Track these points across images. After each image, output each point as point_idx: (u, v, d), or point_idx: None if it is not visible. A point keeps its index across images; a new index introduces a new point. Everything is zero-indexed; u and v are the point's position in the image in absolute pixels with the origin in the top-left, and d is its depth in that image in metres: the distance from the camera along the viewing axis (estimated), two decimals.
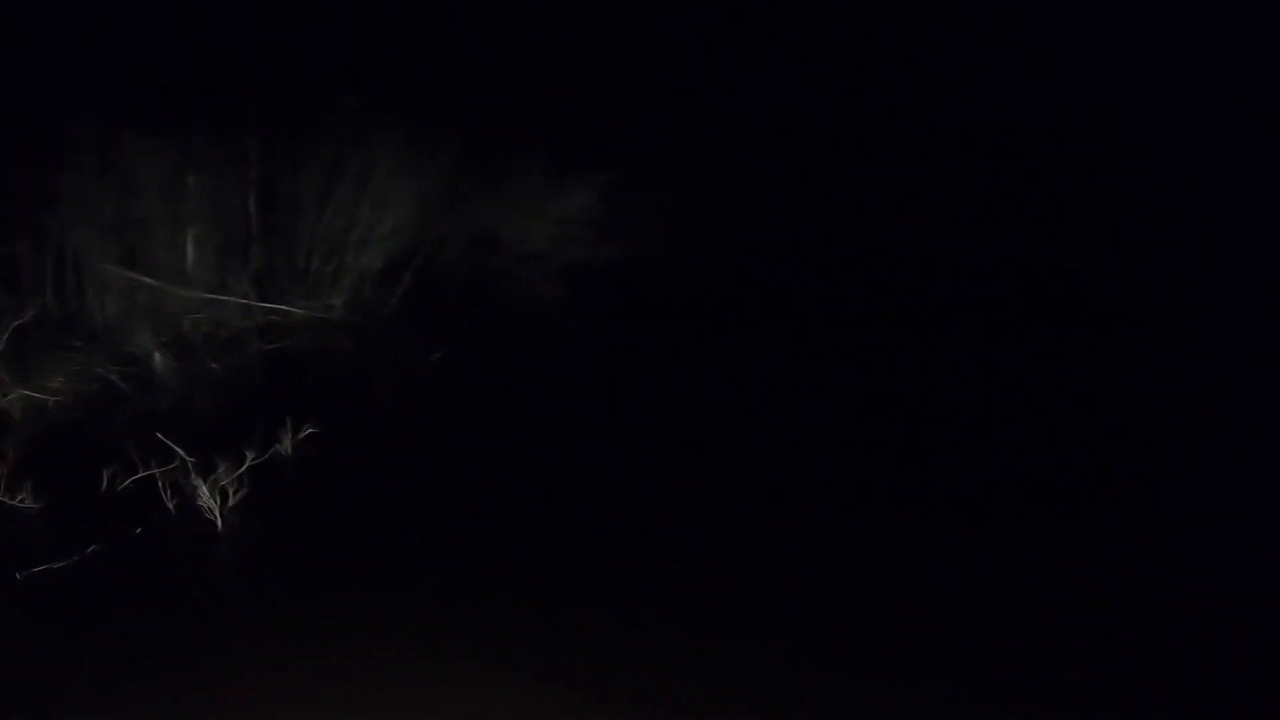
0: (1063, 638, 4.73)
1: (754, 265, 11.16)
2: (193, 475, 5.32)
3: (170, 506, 5.26)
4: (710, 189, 11.70)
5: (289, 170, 8.53)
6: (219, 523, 5.20)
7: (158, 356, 6.95)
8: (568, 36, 11.46)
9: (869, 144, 12.57)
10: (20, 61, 7.70)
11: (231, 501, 5.31)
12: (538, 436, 6.82)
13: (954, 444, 6.98)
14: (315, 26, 9.63)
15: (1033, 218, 11.76)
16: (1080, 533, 5.80)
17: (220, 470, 5.36)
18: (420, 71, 9.83)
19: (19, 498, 5.25)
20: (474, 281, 9.64)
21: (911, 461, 6.72)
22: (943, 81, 12.77)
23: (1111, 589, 5.18)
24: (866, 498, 6.05)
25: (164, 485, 5.31)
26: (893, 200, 12.12)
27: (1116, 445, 7.15)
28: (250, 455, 5.49)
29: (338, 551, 5.13)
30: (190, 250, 7.88)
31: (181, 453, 5.42)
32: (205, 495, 5.17)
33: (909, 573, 5.26)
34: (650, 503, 5.89)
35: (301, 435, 6.05)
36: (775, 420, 7.35)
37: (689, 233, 11.21)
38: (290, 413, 6.25)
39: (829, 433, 7.09)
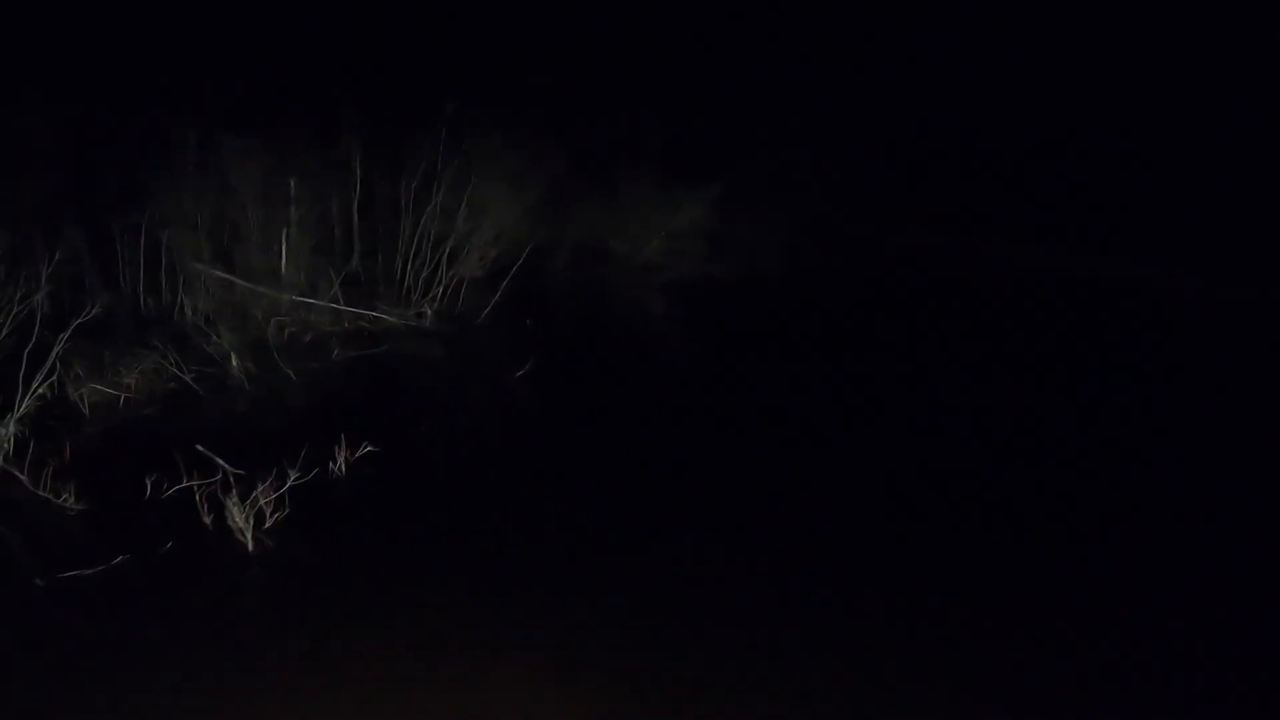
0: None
1: (874, 291, 10.37)
2: (233, 491, 5.03)
3: (207, 522, 4.97)
4: (834, 208, 10.95)
5: (388, 175, 8.35)
6: (249, 544, 4.88)
7: (235, 360, 6.77)
8: (692, 43, 10.98)
9: (1011, 167, 11.60)
10: (123, 61, 7.73)
11: (268, 522, 4.99)
12: (634, 459, 6.30)
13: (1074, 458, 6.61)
14: (422, 32, 9.45)
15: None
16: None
17: (261, 488, 5.06)
18: (528, 77, 9.54)
19: (63, 497, 5.08)
20: (578, 293, 9.25)
21: (1029, 474, 6.41)
22: (1090, 106, 11.73)
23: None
24: (997, 512, 5.74)
25: (202, 500, 5.01)
26: (1024, 224, 11.13)
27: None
28: (293, 474, 5.15)
29: (372, 591, 4.72)
30: (284, 252, 7.73)
31: (225, 466, 5.14)
32: (236, 515, 4.85)
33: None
34: (749, 527, 5.45)
35: (359, 454, 5.72)
36: (884, 445, 6.77)
37: (808, 253, 10.52)
38: (360, 426, 5.99)
39: (943, 458, 6.57)
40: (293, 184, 7.90)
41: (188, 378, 6.55)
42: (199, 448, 5.24)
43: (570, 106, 9.61)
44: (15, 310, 5.93)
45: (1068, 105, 12.48)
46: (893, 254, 11.14)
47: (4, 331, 5.86)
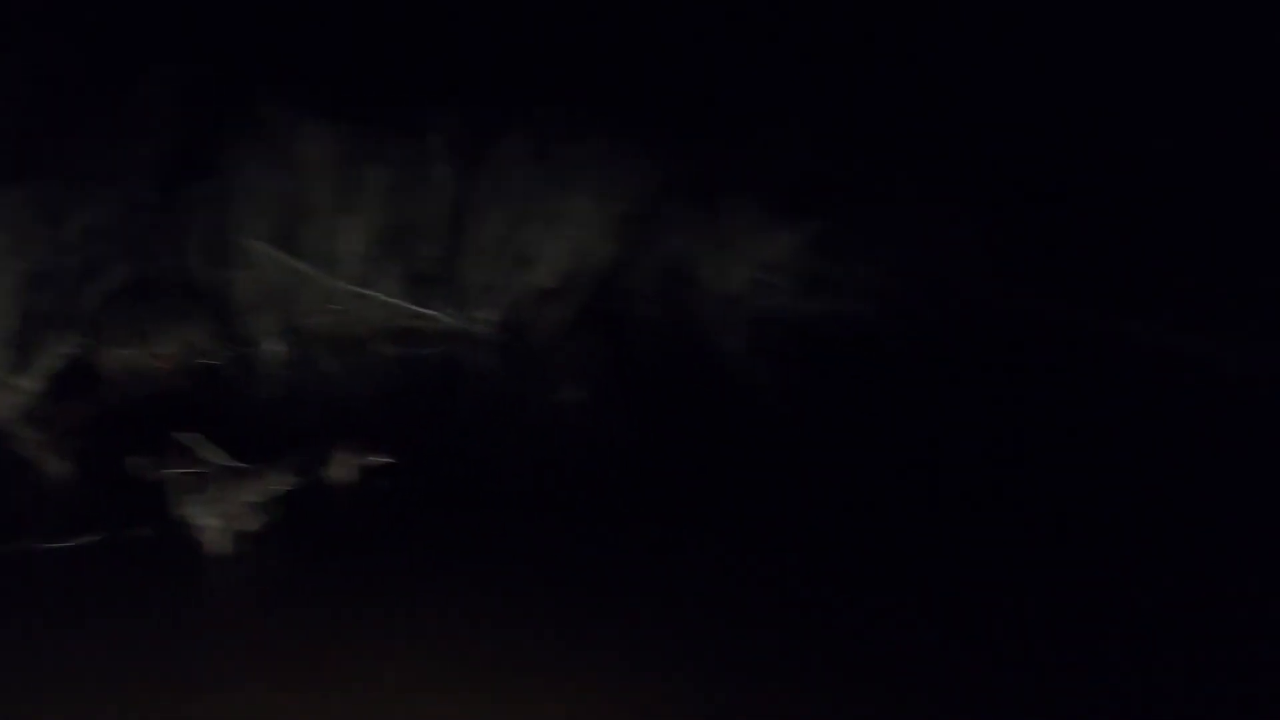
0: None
1: (966, 347, 9.54)
2: (220, 485, 4.69)
3: (183, 515, 4.62)
4: (938, 256, 10.16)
5: (470, 173, 8.03)
6: (219, 545, 4.52)
7: (272, 344, 6.52)
8: (807, 70, 10.38)
9: (1123, 235, 10.62)
10: (209, 38, 7.65)
11: (248, 525, 4.63)
12: (676, 499, 5.78)
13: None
14: (519, 29, 9.14)
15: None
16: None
17: (250, 486, 4.71)
18: (630, 87, 9.10)
19: (56, 463, 4.86)
20: (654, 318, 8.75)
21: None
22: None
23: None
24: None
25: (185, 489, 4.68)
26: (1129, 296, 10.14)
27: None
28: (287, 477, 4.79)
29: (335, 624, 4.24)
30: (349, 240, 7.48)
31: (216, 457, 4.80)
32: (208, 512, 4.50)
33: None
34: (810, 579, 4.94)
35: (372, 463, 5.34)
36: (961, 501, 6.14)
37: (906, 301, 9.75)
38: (383, 432, 5.64)
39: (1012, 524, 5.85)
40: (371, 172, 7.65)
41: (221, 357, 6.33)
42: (191, 435, 4.90)
43: (675, 123, 9.13)
44: (64, 265, 5.81)
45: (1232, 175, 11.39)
46: (995, 313, 10.29)
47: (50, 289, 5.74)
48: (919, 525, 5.75)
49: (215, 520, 4.52)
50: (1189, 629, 4.91)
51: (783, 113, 9.82)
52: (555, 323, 8.05)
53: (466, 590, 4.56)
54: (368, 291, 7.42)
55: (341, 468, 5.26)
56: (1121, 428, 8.00)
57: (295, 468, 4.92)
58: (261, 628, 4.07)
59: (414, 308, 7.56)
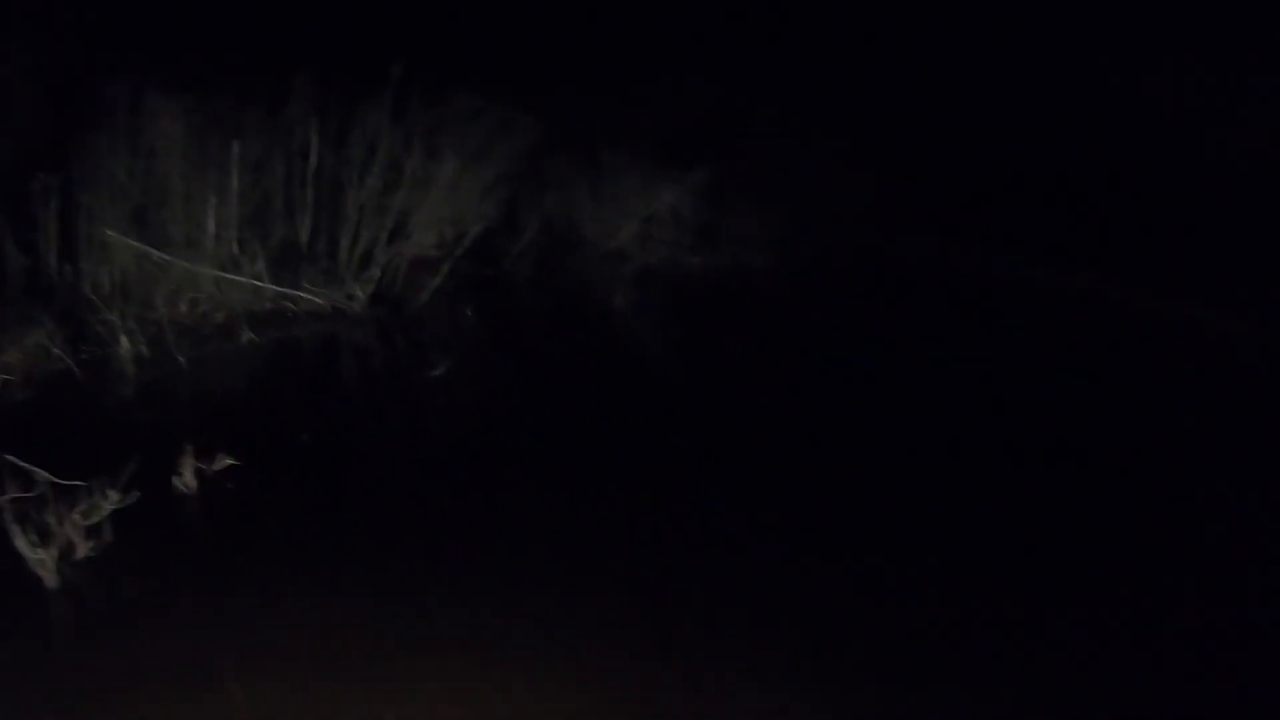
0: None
1: (864, 298, 9.61)
2: (48, 508, 4.64)
3: (19, 546, 4.57)
4: (834, 206, 10.13)
5: (336, 142, 7.82)
6: (48, 577, 4.49)
7: (126, 341, 6.39)
8: (690, 23, 10.14)
9: (1027, 176, 10.66)
10: (44, 9, 7.28)
11: (80, 551, 4.60)
12: (563, 470, 5.85)
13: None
14: None
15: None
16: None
17: (81, 507, 4.66)
18: (500, 40, 8.87)
19: None
20: (536, 280, 8.69)
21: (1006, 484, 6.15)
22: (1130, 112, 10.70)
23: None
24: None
25: (14, 516, 4.63)
26: (1037, 242, 10.25)
27: None
28: (116, 494, 4.74)
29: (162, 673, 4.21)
30: (209, 222, 7.28)
31: (41, 477, 4.73)
32: (27, 541, 4.45)
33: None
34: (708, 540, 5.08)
35: (220, 467, 5.32)
36: (854, 459, 6.29)
37: (796, 250, 9.75)
38: (240, 429, 5.61)
39: (919, 478, 6.13)
40: (235, 147, 7.41)
41: (71, 360, 6.20)
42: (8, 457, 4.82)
43: (550, 76, 8.94)
44: None
45: (1101, 110, 11.44)
46: (888, 257, 10.34)
47: None
48: (821, 487, 5.87)
49: (43, 549, 4.48)
50: (1165, 606, 5.10)
51: (664, 57, 9.64)
52: (433, 293, 7.96)
53: (334, 597, 4.58)
54: (231, 275, 7.27)
55: (190, 473, 5.23)
56: (1030, 379, 8.16)
57: (135, 479, 4.87)
58: (89, 665, 4.08)
59: (281, 288, 7.43)
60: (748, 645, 4.45)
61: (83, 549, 4.59)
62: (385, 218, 7.92)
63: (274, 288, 7.42)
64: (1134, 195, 11.33)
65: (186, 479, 5.19)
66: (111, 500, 4.72)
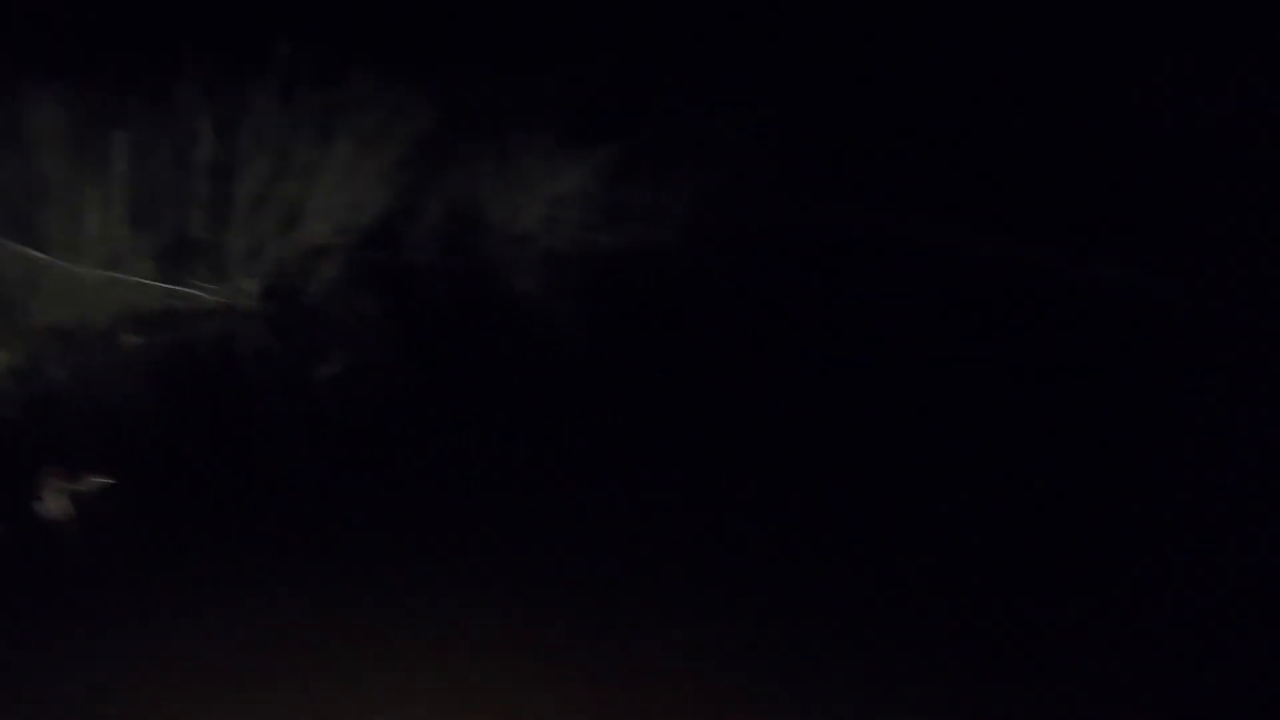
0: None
1: (775, 271, 9.64)
2: None
3: None
4: (741, 179, 10.08)
5: (219, 130, 7.59)
6: None
7: (4, 353, 6.21)
8: None
9: (945, 142, 10.66)
10: None
11: None
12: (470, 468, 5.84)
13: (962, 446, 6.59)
14: None
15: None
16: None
17: None
18: (398, 17, 8.62)
19: None
20: (438, 266, 8.57)
21: (923, 465, 6.36)
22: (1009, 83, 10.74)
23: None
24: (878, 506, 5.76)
25: None
26: (948, 206, 10.30)
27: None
28: None
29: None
30: (92, 218, 7.05)
31: None
32: None
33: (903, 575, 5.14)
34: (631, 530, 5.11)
35: (90, 489, 5.22)
36: (774, 431, 6.36)
37: (708, 227, 9.71)
38: (118, 446, 5.49)
39: (837, 445, 6.50)
40: (117, 137, 7.17)
41: None
42: None
43: (449, 57, 8.72)
44: None
45: (1033, 66, 11.43)
46: (805, 230, 10.35)
47: None
48: (734, 467, 5.91)
49: None
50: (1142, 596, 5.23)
51: (566, 31, 9.44)
52: (330, 284, 7.82)
53: (225, 611, 4.54)
54: (116, 274, 7.07)
55: (58, 498, 5.14)
56: (957, 349, 8.26)
57: (7, 504, 4.78)
58: None
59: (169, 286, 7.25)
60: (652, 635, 4.48)
61: None
62: (278, 206, 7.75)
63: (162, 285, 7.23)
64: (1064, 157, 11.40)
65: (56, 504, 5.09)
66: None
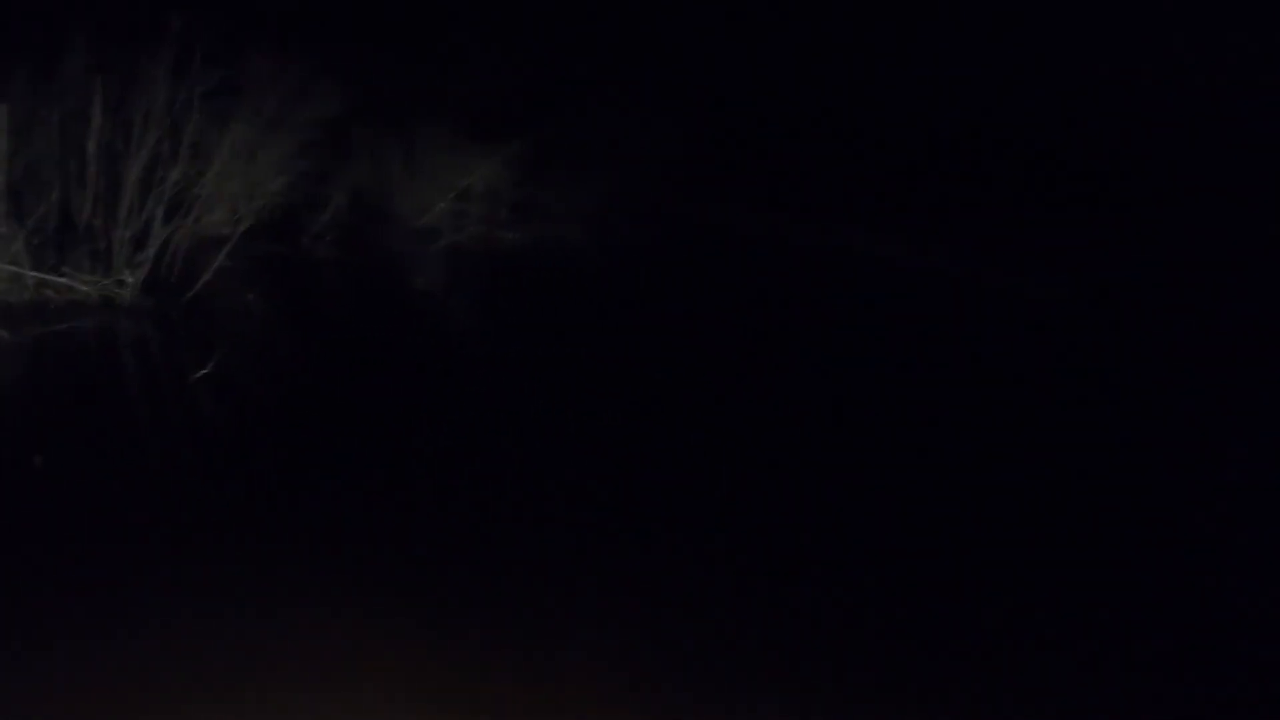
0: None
1: (682, 269, 9.67)
2: None
3: None
4: (648, 179, 10.04)
5: (106, 105, 7.15)
6: None
7: None
8: None
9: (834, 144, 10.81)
10: None
11: None
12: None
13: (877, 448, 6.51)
14: None
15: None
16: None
17: None
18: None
19: None
20: (334, 260, 8.32)
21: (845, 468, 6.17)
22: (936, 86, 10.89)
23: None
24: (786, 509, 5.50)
25: None
26: (850, 208, 10.49)
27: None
28: None
29: None
30: None
31: None
32: None
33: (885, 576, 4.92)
34: (536, 530, 4.97)
35: None
36: (676, 432, 6.35)
37: (615, 225, 9.67)
38: None
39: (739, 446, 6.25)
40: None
41: None
42: None
43: (357, 39, 8.40)
44: None
45: (954, 72, 11.63)
46: (711, 231, 10.39)
47: None
48: (636, 463, 5.85)
49: None
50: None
51: (478, 19, 9.19)
52: (215, 275, 7.50)
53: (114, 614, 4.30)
54: None
55: None
56: (859, 348, 8.36)
57: None
58: None
59: (42, 275, 6.85)
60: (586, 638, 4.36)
61: None
62: (166, 191, 7.36)
63: (34, 274, 6.83)
64: (978, 165, 11.59)
65: None
66: None
